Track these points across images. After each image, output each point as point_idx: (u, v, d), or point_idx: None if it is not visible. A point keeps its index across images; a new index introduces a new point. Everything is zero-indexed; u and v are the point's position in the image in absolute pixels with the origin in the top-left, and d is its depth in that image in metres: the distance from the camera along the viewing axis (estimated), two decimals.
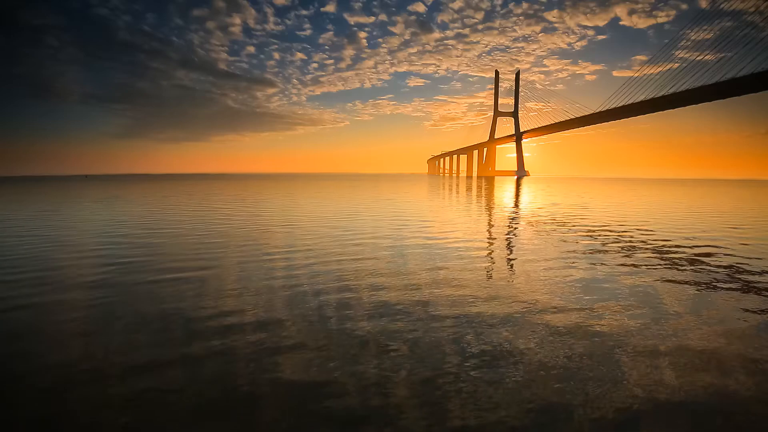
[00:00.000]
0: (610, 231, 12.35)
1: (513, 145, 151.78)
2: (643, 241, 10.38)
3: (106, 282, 6.46)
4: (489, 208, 20.58)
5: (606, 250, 9.06)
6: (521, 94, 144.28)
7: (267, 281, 6.41)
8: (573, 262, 7.80)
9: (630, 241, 10.37)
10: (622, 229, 12.69)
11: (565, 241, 10.21)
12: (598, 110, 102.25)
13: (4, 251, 9.12)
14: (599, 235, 11.41)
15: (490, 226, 13.49)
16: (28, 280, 6.57)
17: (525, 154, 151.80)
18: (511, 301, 5.41)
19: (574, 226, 13.52)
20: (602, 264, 7.70)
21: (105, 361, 3.73)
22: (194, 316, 4.86)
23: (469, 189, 42.62)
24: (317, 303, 5.37)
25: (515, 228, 12.92)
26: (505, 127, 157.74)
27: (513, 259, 8.14)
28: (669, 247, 9.63)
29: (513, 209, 20.10)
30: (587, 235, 11.36)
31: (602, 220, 15.51)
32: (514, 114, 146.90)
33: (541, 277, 6.64)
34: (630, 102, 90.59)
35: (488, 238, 10.80)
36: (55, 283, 6.43)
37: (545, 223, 14.43)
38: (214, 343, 4.11)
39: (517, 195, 33.07)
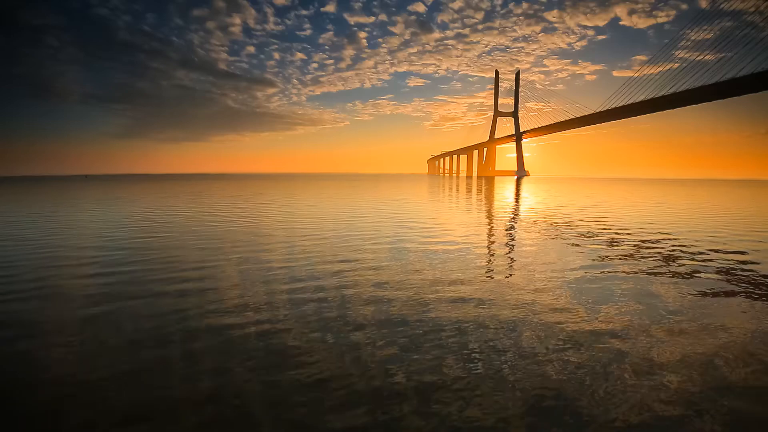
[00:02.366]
0: (645, 240, 10.88)
1: (513, 145, 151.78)
2: (691, 254, 8.98)
3: (107, 294, 6.41)
4: (502, 212, 18.94)
5: (657, 272, 7.25)
6: (521, 94, 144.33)
7: (271, 317, 5.87)
8: (628, 287, 6.20)
9: (676, 253, 9.06)
10: (658, 238, 11.18)
11: (613, 259, 8.32)
12: (598, 110, 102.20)
13: None
14: (635, 245, 10.04)
15: (513, 234, 11.97)
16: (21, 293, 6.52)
17: (525, 154, 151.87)
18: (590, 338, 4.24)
19: (601, 234, 11.84)
20: (656, 285, 6.37)
21: (102, 370, 3.70)
22: (194, 329, 4.82)
23: (474, 190, 41.80)
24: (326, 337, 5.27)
25: (544, 235, 11.51)
26: (505, 127, 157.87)
27: (560, 278, 6.69)
28: (731, 263, 8.13)
29: (529, 213, 18.47)
30: (625, 246, 9.83)
31: (627, 225, 14.12)
32: (514, 114, 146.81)
33: (598, 308, 5.20)
34: (630, 102, 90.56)
35: (518, 250, 9.40)
36: (51, 294, 6.37)
37: (572, 228, 13.07)
38: (213, 355, 4.07)
39: (527, 197, 31.84)
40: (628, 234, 12.03)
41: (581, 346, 4.05)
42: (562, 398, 3.12)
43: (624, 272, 7.23)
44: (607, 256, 8.63)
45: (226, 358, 3.77)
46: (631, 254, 8.93)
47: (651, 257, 8.63)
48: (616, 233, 12.12)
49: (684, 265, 7.93)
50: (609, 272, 7.21)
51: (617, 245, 10.06)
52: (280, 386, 3.29)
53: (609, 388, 3.26)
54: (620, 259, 8.42)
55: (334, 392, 3.19)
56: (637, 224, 14.47)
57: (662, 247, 9.83)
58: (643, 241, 10.67)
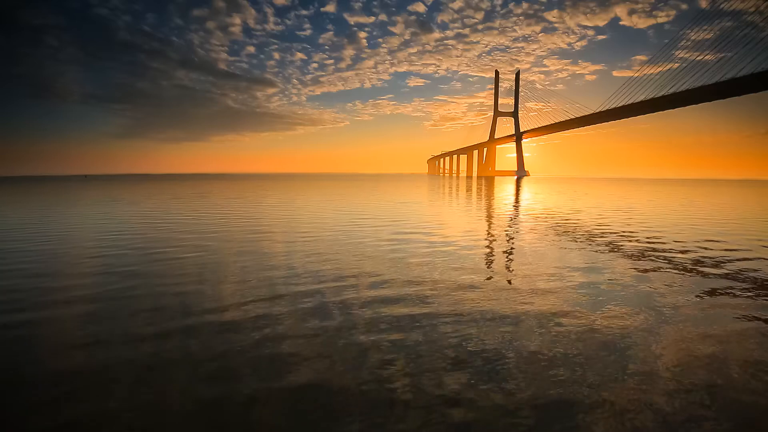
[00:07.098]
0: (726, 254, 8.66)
1: (513, 145, 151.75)
2: None
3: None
4: (527, 217, 16.13)
5: None
6: (521, 94, 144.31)
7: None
8: None
9: None
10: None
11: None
12: (598, 110, 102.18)
13: None
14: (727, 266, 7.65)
15: (557, 249, 9.26)
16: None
17: (525, 154, 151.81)
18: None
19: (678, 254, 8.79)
20: None
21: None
22: (194, 329, 4.80)
23: (482, 192, 39.60)
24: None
25: (599, 251, 9.04)
26: (505, 127, 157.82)
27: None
28: None
29: (557, 217, 15.99)
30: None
31: (705, 237, 11.18)
32: (514, 114, 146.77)
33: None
34: (630, 102, 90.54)
35: (572, 271, 7.15)
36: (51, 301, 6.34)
37: (642, 245, 9.95)
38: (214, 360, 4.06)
39: (542, 200, 28.51)
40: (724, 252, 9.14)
41: None
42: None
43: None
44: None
45: (227, 361, 3.74)
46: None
47: None
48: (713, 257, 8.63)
49: None
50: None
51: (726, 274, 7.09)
52: (281, 392, 3.26)
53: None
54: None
55: (334, 398, 3.17)
56: (708, 236, 11.49)
57: None
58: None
